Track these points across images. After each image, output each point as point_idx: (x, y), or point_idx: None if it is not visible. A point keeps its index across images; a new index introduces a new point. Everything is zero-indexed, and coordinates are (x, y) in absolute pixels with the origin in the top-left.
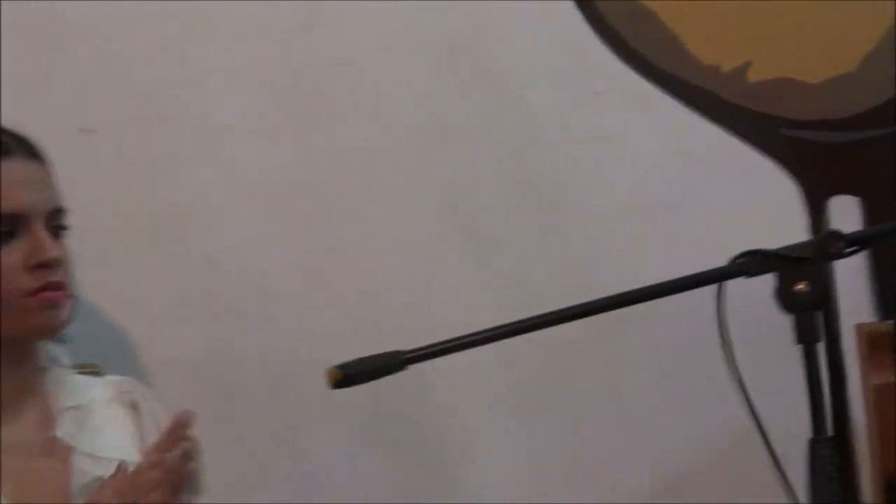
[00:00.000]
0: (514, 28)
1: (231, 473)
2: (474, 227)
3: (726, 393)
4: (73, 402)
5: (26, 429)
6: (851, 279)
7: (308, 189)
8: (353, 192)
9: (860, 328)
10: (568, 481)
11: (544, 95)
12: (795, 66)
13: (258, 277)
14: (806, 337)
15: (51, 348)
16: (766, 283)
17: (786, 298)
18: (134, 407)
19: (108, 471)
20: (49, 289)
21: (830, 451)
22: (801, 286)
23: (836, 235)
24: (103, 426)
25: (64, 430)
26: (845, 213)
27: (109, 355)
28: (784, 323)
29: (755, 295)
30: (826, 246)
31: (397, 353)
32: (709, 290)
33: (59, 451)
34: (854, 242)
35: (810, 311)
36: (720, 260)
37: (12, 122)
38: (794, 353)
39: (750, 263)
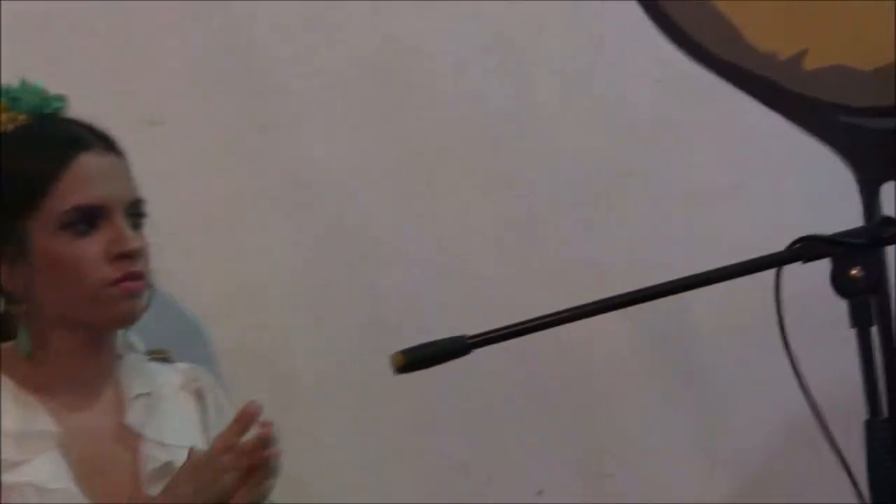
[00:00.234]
0: (574, 19)
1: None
2: (537, 216)
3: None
4: (142, 390)
5: (99, 416)
6: None
7: (375, 178)
8: (421, 181)
9: None
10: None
11: (605, 85)
12: (850, 53)
13: (313, 266)
14: (860, 321)
15: (126, 335)
16: (822, 269)
17: (841, 283)
18: (200, 395)
19: (175, 457)
20: (130, 279)
21: (886, 430)
22: (855, 271)
23: (890, 221)
24: (171, 414)
25: (134, 418)
26: None
27: (179, 342)
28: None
29: (812, 280)
30: (880, 231)
31: (461, 337)
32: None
33: (128, 439)
34: None
35: (864, 295)
36: (777, 246)
37: (84, 115)
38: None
39: (806, 249)
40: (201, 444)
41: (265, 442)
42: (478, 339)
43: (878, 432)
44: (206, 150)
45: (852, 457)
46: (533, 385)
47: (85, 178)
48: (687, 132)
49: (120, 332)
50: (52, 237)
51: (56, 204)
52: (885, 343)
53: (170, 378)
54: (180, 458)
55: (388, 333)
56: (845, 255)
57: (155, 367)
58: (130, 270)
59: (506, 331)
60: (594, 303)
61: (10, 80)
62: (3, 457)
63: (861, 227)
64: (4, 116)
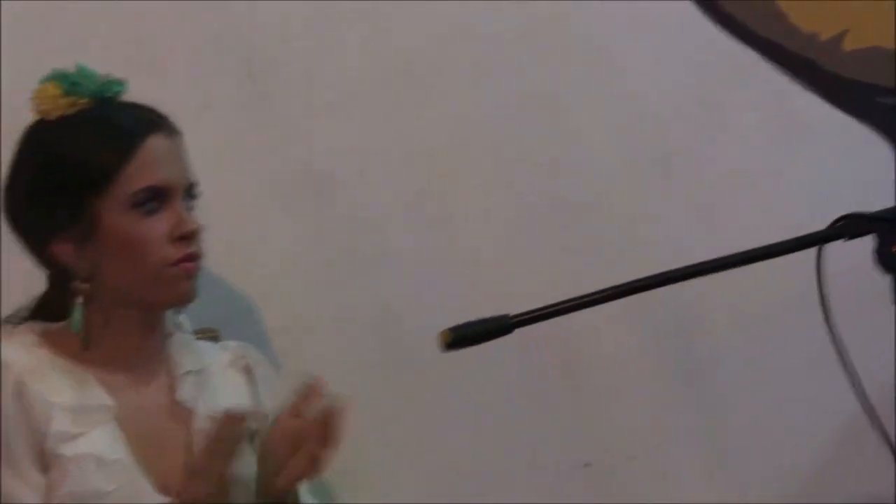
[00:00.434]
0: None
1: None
2: (579, 199)
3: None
4: (192, 367)
5: (152, 393)
6: None
7: (424, 156)
8: (461, 159)
9: None
10: None
11: (649, 67)
12: (888, 35)
13: (378, 245)
14: None
15: (174, 315)
16: (865, 245)
17: (884, 259)
18: (248, 371)
19: None
20: (189, 259)
21: None
22: None
23: None
24: (221, 389)
25: (185, 394)
26: None
27: (228, 320)
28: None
29: (854, 257)
30: None
31: (505, 316)
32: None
33: (180, 415)
34: None
35: None
36: (818, 224)
37: (139, 98)
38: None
39: (849, 226)
40: (250, 419)
41: (334, 411)
42: (521, 317)
43: None
44: (251, 133)
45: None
46: (578, 362)
47: (154, 160)
48: (729, 113)
49: (169, 312)
50: (121, 217)
51: (127, 185)
52: None
53: (219, 355)
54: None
55: (432, 311)
56: (888, 231)
57: (203, 345)
58: (190, 252)
59: (548, 309)
60: (639, 280)
61: (66, 64)
62: (59, 429)
63: None
64: (65, 101)
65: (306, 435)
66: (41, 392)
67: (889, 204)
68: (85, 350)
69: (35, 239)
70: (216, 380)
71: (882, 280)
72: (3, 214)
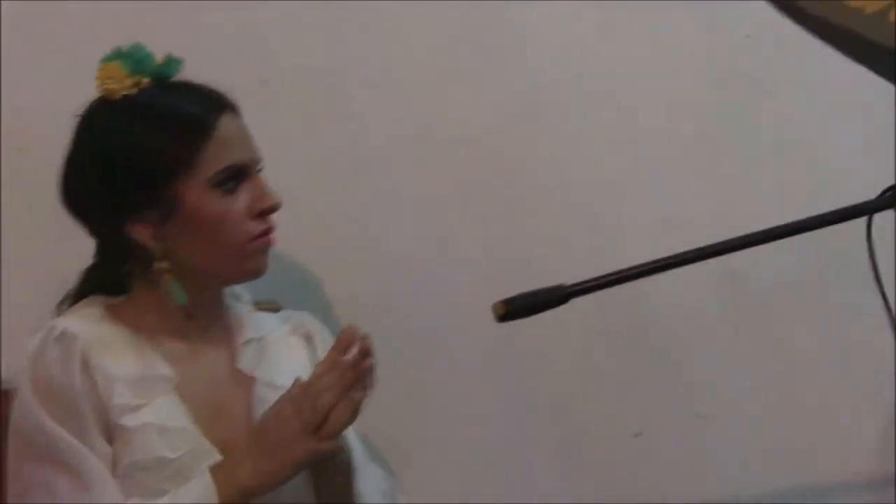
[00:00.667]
0: None
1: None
2: (623, 170)
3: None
4: (252, 336)
5: (212, 362)
6: None
7: (475, 138)
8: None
9: None
10: None
11: (697, 40)
12: None
13: (427, 220)
14: None
15: (233, 287)
16: None
17: None
18: (308, 339)
19: None
20: (268, 233)
21: None
22: None
23: None
24: (281, 357)
25: (245, 362)
26: None
27: (288, 294)
28: None
29: None
30: None
31: (560, 287)
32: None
33: (242, 382)
34: None
35: None
36: (866, 195)
37: (198, 77)
38: None
39: None
40: None
41: (365, 352)
42: (576, 288)
43: None
44: (313, 108)
45: None
46: (631, 331)
47: (230, 139)
48: (776, 85)
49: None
50: (203, 197)
51: (207, 167)
52: None
53: (278, 324)
54: None
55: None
56: None
57: (262, 315)
58: (269, 226)
59: (603, 280)
60: (690, 251)
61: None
62: (121, 402)
63: None
64: (130, 81)
65: (346, 384)
66: (104, 365)
67: None
68: (145, 322)
69: (109, 221)
70: (276, 348)
71: None
72: (65, 196)
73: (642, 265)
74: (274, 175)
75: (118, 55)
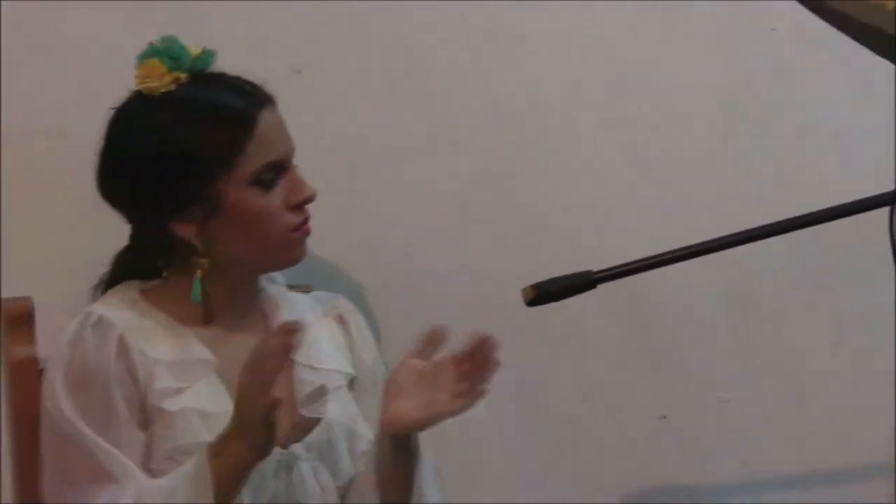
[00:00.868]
0: None
1: None
2: (653, 158)
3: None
4: (288, 318)
5: (250, 345)
6: None
7: (499, 125)
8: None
9: None
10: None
11: (723, 33)
12: None
13: (456, 207)
14: None
15: None
16: None
17: None
18: (341, 321)
19: (326, 380)
20: (305, 223)
21: None
22: None
23: None
24: (318, 339)
25: None
26: None
27: (321, 277)
28: None
29: None
30: None
31: (588, 272)
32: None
33: None
34: None
35: None
36: (888, 186)
37: (230, 68)
38: None
39: None
40: (348, 367)
41: (491, 345)
42: (603, 273)
43: None
44: (347, 96)
45: None
46: (655, 318)
47: (268, 135)
48: (802, 78)
49: None
50: (244, 193)
51: (248, 164)
52: None
53: (312, 306)
54: (331, 380)
55: (515, 269)
56: None
57: (296, 297)
58: (306, 216)
59: (630, 266)
60: (715, 239)
61: (153, 38)
62: (162, 385)
63: None
64: (169, 77)
65: (437, 375)
66: (143, 348)
67: None
68: (183, 307)
69: (153, 219)
70: (312, 330)
71: None
72: (104, 189)
73: (669, 252)
74: (304, 163)
75: (155, 52)
